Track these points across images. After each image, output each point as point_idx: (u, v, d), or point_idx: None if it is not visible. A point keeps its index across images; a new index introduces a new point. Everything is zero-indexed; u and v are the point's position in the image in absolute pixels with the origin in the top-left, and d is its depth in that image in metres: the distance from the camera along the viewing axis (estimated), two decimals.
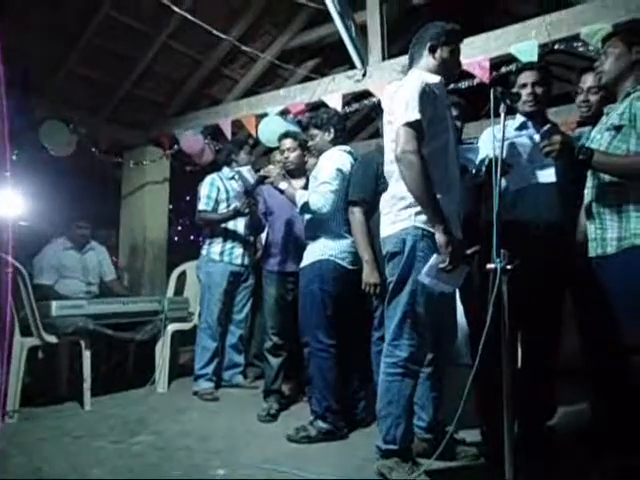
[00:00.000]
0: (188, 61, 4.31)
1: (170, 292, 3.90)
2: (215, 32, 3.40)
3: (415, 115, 1.75)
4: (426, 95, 1.79)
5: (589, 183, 1.86)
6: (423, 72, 1.92)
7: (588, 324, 2.05)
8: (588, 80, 2.16)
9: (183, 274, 3.95)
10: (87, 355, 2.98)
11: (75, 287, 3.69)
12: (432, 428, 2.14)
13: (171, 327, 3.47)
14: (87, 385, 2.95)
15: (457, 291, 2.17)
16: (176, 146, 4.48)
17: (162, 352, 3.39)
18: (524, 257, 1.63)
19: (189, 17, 3.17)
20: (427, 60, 1.94)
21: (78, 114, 4.19)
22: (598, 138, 1.82)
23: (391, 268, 1.90)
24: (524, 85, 2.15)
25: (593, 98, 2.14)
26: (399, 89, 1.86)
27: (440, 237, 1.74)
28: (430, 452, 1.94)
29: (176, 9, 3.01)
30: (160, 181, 4.82)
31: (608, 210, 1.77)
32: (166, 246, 4.86)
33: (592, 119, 2.09)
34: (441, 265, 1.74)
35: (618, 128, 1.73)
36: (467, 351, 2.74)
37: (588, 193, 1.86)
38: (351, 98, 3.70)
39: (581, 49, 2.81)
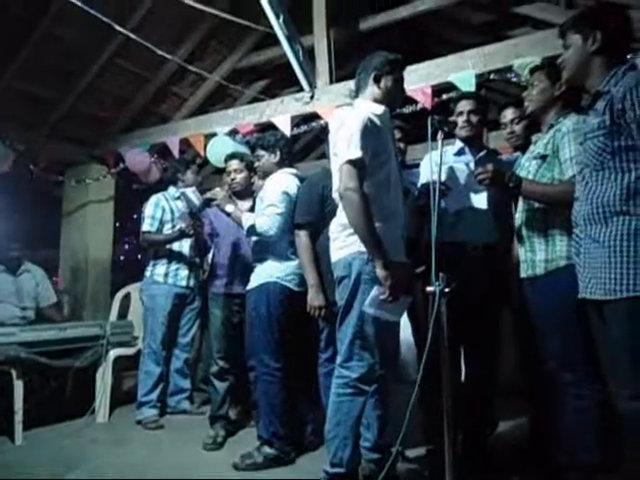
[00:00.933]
0: (134, 78, 4.22)
1: (113, 315, 3.74)
2: (159, 52, 3.34)
3: (357, 153, 1.81)
4: (368, 130, 1.84)
5: (520, 208, 1.97)
6: (369, 102, 1.98)
7: (523, 342, 2.15)
8: (507, 114, 2.30)
9: (128, 296, 3.81)
10: (19, 385, 2.79)
11: (8, 312, 3.46)
12: (378, 448, 2.14)
13: (113, 352, 3.31)
14: (18, 418, 2.76)
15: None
16: (121, 164, 4.34)
17: (103, 379, 3.23)
18: (463, 277, 1.69)
19: (132, 36, 3.10)
20: (372, 89, 1.99)
21: (15, 129, 4.00)
22: (527, 166, 1.94)
23: (340, 291, 1.94)
24: (461, 113, 2.28)
25: (517, 128, 2.28)
26: (343, 124, 1.90)
27: (380, 272, 1.79)
28: (377, 473, 1.94)
29: (118, 28, 2.93)
30: (104, 199, 4.65)
31: (536, 234, 1.88)
32: (110, 267, 4.67)
33: (523, 146, 2.22)
34: (382, 297, 1.79)
35: (543, 157, 1.86)
36: (416, 369, 2.78)
37: (519, 217, 1.97)
38: (300, 120, 3.74)
39: (515, 79, 2.99)
